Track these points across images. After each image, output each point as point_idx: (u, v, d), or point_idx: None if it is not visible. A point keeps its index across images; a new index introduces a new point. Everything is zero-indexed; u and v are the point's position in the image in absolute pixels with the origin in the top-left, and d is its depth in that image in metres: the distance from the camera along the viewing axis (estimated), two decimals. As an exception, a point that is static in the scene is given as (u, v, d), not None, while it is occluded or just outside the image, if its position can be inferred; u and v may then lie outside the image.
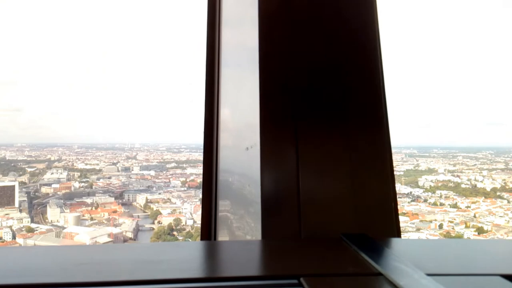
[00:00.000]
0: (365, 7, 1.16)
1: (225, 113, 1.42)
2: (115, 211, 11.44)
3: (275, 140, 1.06)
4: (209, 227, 1.40)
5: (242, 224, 1.21)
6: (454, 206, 12.35)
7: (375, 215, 1.02)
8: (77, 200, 11.57)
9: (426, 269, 0.67)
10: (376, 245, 0.83)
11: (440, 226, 11.67)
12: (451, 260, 0.81)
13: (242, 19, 1.35)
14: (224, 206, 1.37)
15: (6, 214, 10.23)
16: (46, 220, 10.70)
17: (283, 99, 1.09)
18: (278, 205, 1.01)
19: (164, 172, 22.47)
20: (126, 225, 11.01)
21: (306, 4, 1.14)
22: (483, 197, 12.44)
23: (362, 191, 1.01)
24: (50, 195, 11.72)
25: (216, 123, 1.43)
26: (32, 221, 10.42)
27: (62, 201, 11.43)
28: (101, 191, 12.26)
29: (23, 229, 9.91)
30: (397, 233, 1.03)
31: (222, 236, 1.36)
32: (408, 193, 13.83)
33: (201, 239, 1.44)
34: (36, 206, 11.16)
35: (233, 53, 1.42)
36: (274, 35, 1.12)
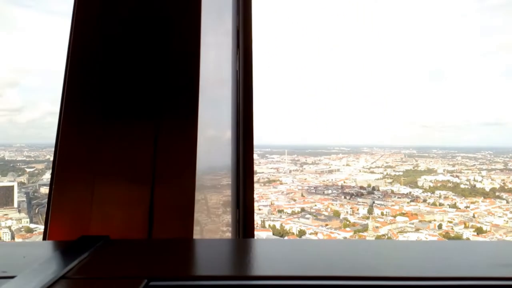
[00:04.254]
0: (189, 9, 1.10)
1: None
2: (114, 212, 11.43)
3: (73, 139, 1.03)
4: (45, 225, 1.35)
5: None
6: (453, 206, 12.36)
7: (171, 219, 0.99)
8: (76, 201, 11.54)
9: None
10: (94, 247, 0.80)
11: (439, 226, 11.67)
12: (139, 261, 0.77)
13: None
14: None
15: (5, 215, 10.21)
16: (45, 221, 10.68)
17: (87, 95, 1.05)
18: (67, 206, 0.99)
19: (164, 172, 22.39)
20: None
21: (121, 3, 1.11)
22: (482, 197, 12.45)
23: (160, 196, 0.99)
24: (49, 195, 11.70)
25: None
26: (31, 222, 10.40)
27: (61, 201, 11.40)
28: (100, 192, 12.23)
29: (22, 229, 9.90)
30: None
31: None
32: (407, 193, 13.84)
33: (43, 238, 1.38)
34: (35, 207, 11.14)
35: None
36: (86, 31, 1.09)
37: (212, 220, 1.31)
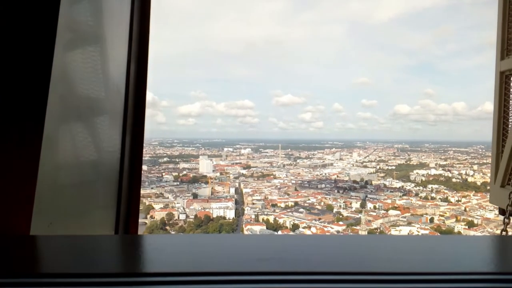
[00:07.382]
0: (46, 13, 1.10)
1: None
2: (107, 206, 11.39)
3: None
4: None
5: None
6: (445, 200, 12.48)
7: (6, 217, 1.03)
8: (69, 195, 11.47)
9: None
10: None
11: (431, 220, 11.79)
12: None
13: None
14: None
15: None
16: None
17: None
18: None
19: (157, 166, 22.40)
20: (119, 220, 10.96)
21: None
22: (474, 191, 12.59)
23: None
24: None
25: None
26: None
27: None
28: (93, 186, 12.17)
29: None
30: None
31: None
32: (400, 187, 13.93)
33: None
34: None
35: None
36: None
37: (78, 219, 1.35)
